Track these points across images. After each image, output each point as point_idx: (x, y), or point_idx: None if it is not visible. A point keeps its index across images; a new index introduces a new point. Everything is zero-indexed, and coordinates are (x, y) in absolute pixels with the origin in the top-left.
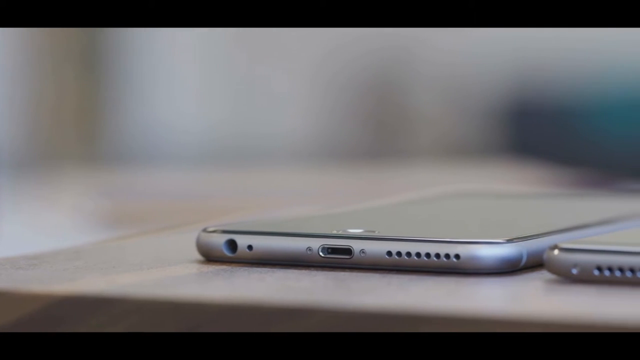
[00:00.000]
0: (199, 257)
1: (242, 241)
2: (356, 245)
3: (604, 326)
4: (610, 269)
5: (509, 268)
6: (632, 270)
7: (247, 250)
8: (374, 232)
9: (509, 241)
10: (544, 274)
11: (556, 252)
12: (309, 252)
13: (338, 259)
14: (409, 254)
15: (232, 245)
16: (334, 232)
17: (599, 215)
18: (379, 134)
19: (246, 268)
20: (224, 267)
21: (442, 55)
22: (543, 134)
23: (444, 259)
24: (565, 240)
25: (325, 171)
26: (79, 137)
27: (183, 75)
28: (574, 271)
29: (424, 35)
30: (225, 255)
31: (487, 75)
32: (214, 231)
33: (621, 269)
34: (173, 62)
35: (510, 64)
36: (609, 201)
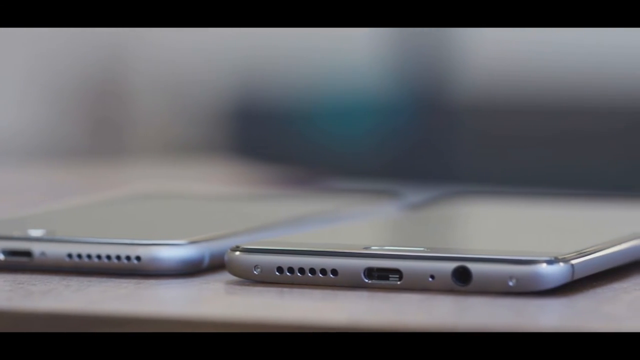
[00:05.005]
0: None
1: None
2: (36, 248)
3: (281, 326)
4: (290, 270)
5: (191, 269)
6: (311, 271)
7: None
8: (55, 233)
9: (191, 242)
10: (227, 276)
11: (237, 253)
12: None
13: (19, 262)
14: (89, 256)
15: None
16: (14, 234)
17: (288, 216)
18: (98, 132)
19: None
20: None
21: (164, 52)
22: (264, 133)
23: (125, 261)
24: (249, 241)
25: (39, 170)
26: None
27: None
28: (256, 272)
29: (144, 34)
30: None
31: (209, 74)
32: None
33: (301, 270)
34: None
35: (233, 63)
36: (301, 201)
